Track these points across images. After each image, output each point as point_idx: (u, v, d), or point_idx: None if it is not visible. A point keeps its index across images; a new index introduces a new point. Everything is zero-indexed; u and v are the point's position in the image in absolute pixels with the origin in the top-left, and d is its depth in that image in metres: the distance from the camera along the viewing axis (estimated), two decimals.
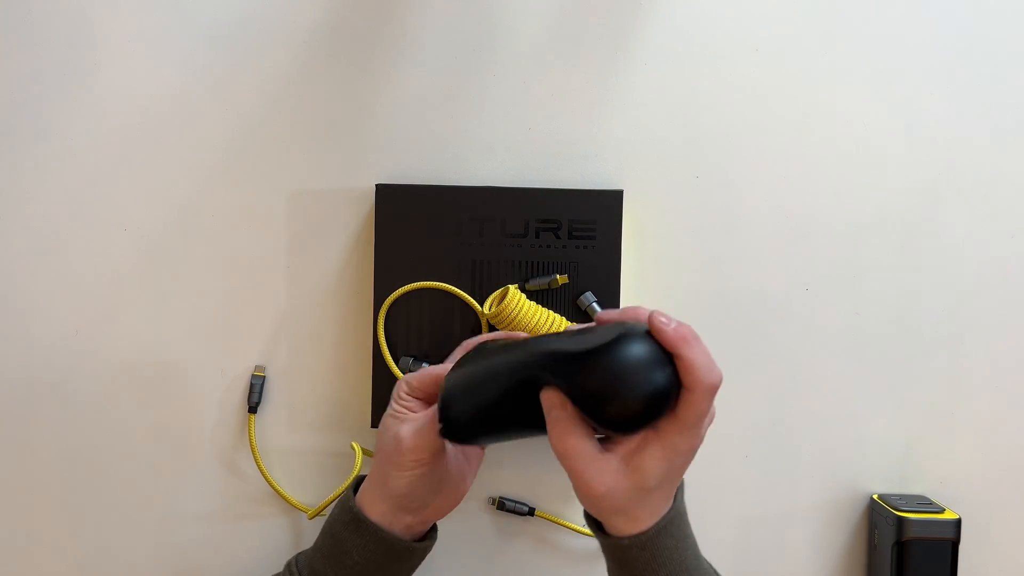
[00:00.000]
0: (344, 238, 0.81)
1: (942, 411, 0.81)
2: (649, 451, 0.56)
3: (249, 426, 0.80)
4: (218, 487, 0.82)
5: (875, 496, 0.80)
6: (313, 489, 0.82)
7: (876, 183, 0.81)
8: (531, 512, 0.81)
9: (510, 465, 0.81)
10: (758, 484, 0.81)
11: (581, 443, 0.56)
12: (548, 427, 0.56)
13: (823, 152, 0.81)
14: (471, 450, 0.72)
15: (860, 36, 0.80)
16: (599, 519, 0.61)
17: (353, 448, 0.77)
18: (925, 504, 0.78)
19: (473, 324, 0.79)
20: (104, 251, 0.81)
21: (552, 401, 0.56)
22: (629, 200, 0.79)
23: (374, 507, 0.67)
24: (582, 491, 0.57)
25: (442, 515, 0.70)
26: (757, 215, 0.81)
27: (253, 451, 0.80)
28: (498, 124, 0.81)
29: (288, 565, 0.70)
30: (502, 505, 0.81)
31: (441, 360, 0.79)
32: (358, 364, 0.81)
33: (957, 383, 0.81)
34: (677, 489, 0.62)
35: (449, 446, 0.68)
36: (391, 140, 0.81)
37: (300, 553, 0.71)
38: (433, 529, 0.72)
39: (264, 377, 0.81)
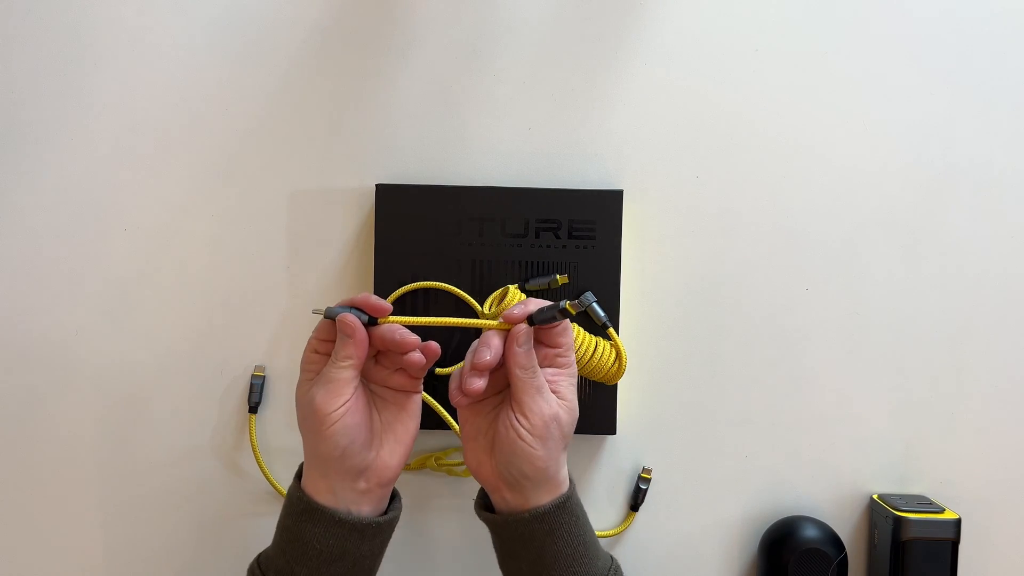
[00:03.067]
0: (344, 238, 0.81)
1: (942, 411, 0.81)
2: (563, 379, 0.66)
3: (249, 426, 0.80)
4: (219, 487, 0.82)
5: (875, 496, 0.80)
6: None
7: (876, 183, 0.81)
8: None
9: None
10: (758, 484, 0.81)
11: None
12: (523, 363, 0.64)
13: (823, 152, 0.81)
14: (394, 396, 0.68)
15: (860, 36, 0.80)
16: (523, 485, 0.64)
17: None
18: (925, 504, 0.78)
19: None
20: (104, 251, 0.81)
21: (525, 331, 0.65)
22: (629, 200, 0.79)
23: (319, 487, 0.65)
24: (538, 419, 0.64)
25: (394, 470, 0.67)
26: (757, 215, 0.81)
27: (254, 451, 0.80)
28: (498, 124, 0.81)
29: (250, 570, 0.68)
30: None
31: (442, 364, 0.79)
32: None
33: (957, 383, 0.81)
34: (570, 477, 0.68)
35: (361, 396, 0.66)
36: (391, 140, 0.81)
37: (260, 554, 0.69)
38: (396, 500, 0.70)
39: (264, 377, 0.81)
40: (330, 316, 0.65)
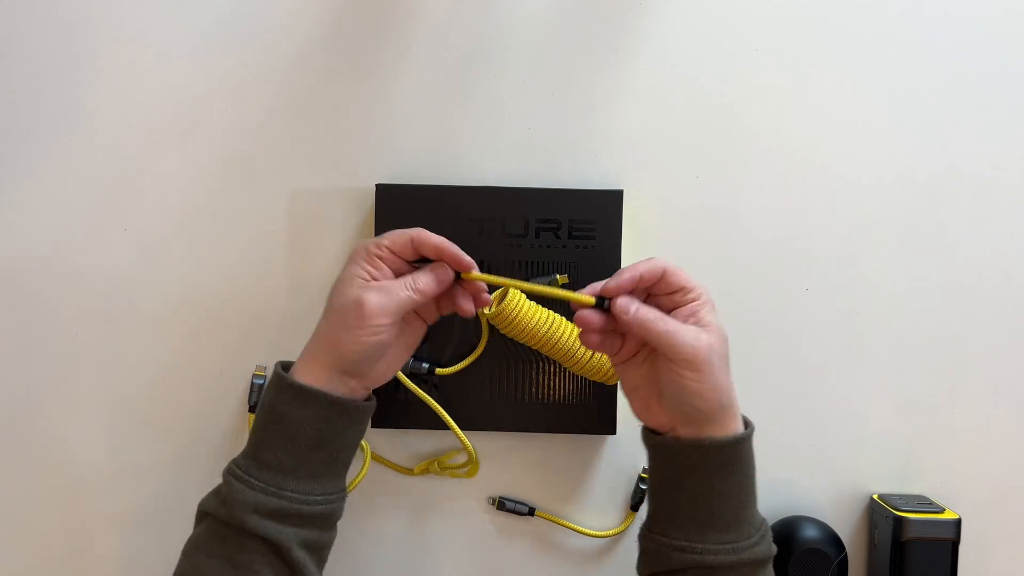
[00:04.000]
0: (344, 238, 0.81)
1: (942, 411, 0.81)
2: (700, 311, 0.65)
3: (249, 426, 0.80)
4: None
5: (875, 496, 0.80)
6: None
7: (876, 183, 0.81)
8: (531, 512, 0.81)
9: (510, 465, 0.81)
10: (758, 484, 0.81)
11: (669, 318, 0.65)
12: (641, 323, 0.63)
13: (823, 152, 0.81)
14: (413, 319, 0.69)
15: (860, 36, 0.80)
16: (701, 419, 0.64)
17: (362, 448, 0.77)
18: (925, 504, 0.78)
19: (473, 324, 0.79)
20: (104, 251, 0.81)
21: (628, 304, 0.64)
22: (629, 200, 0.79)
23: (315, 375, 0.66)
24: (693, 352, 0.62)
25: (381, 383, 0.69)
26: (757, 215, 0.81)
27: None
28: (498, 124, 0.81)
29: (225, 475, 0.67)
30: (502, 505, 0.81)
31: (442, 364, 0.79)
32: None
33: (957, 383, 0.81)
34: (744, 417, 0.68)
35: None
36: (391, 140, 0.81)
37: (232, 461, 0.67)
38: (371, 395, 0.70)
39: (264, 377, 0.81)
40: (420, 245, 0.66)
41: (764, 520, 0.67)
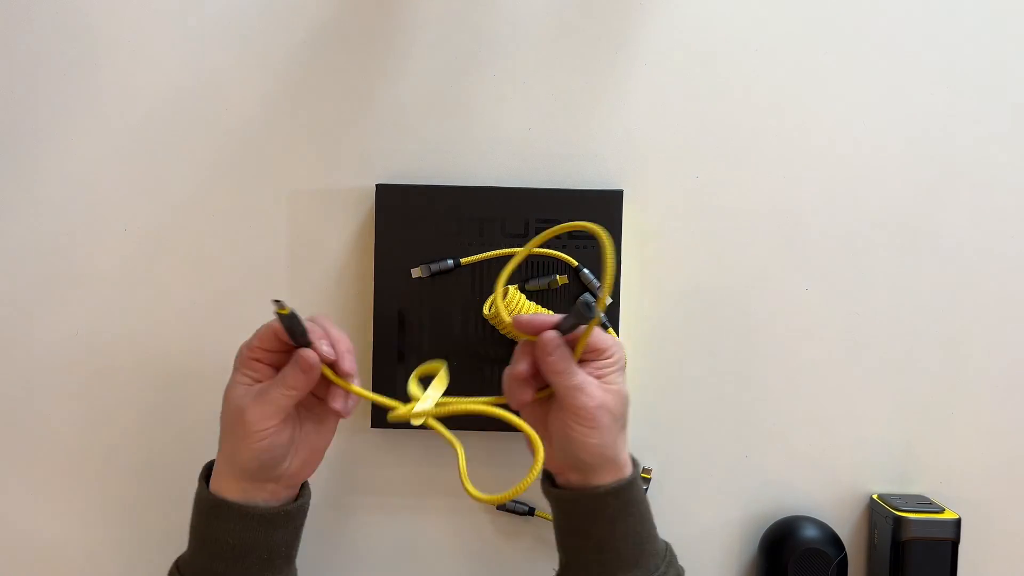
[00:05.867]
0: (344, 238, 0.81)
1: (942, 411, 0.81)
2: (608, 370, 0.67)
3: None
4: None
5: (875, 496, 0.80)
6: (314, 488, 0.82)
7: (876, 183, 0.81)
8: (531, 512, 0.81)
9: (510, 465, 0.81)
10: (758, 484, 0.81)
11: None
12: (554, 366, 0.65)
13: (823, 152, 0.81)
14: (315, 404, 0.68)
15: (860, 36, 0.80)
16: (585, 468, 0.66)
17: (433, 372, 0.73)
18: (925, 504, 0.78)
19: (473, 324, 0.78)
20: (104, 251, 0.81)
21: (552, 340, 0.66)
22: (629, 200, 0.79)
23: (230, 485, 0.66)
24: (585, 411, 0.64)
25: (304, 478, 0.69)
26: (757, 215, 0.81)
27: None
28: (498, 124, 0.81)
29: (170, 574, 0.68)
30: (502, 505, 0.81)
31: (443, 355, 0.79)
32: (358, 364, 0.81)
33: (957, 383, 0.81)
34: (632, 458, 0.70)
35: (291, 415, 0.66)
36: (391, 140, 0.81)
37: (179, 557, 0.69)
38: (304, 488, 0.70)
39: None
40: (291, 331, 0.64)
41: (667, 545, 0.70)
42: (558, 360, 0.65)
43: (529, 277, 0.78)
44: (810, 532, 0.78)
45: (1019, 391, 0.81)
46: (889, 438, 0.81)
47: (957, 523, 0.76)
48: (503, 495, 0.65)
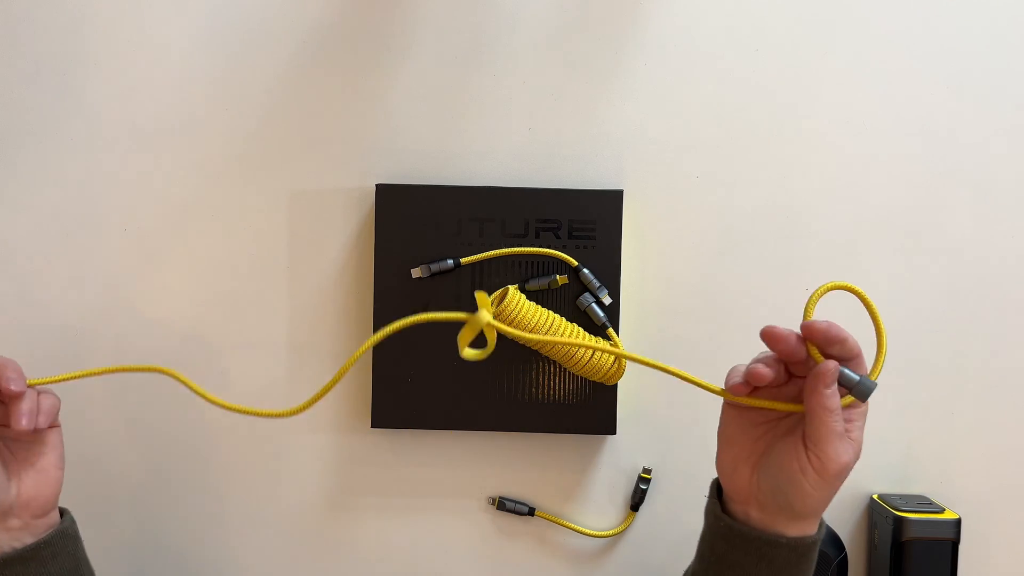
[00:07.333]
0: (344, 238, 0.81)
1: (942, 411, 0.81)
2: (856, 422, 0.61)
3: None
4: (221, 487, 0.82)
5: (875, 496, 0.80)
6: (314, 488, 0.82)
7: (876, 183, 0.81)
8: (531, 512, 0.81)
9: (510, 465, 0.81)
10: None
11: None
12: (827, 400, 0.59)
13: (823, 152, 0.81)
14: (44, 432, 0.65)
15: (860, 36, 0.80)
16: (780, 512, 0.61)
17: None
18: (925, 504, 0.78)
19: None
20: (104, 251, 0.81)
21: (835, 371, 0.60)
22: (629, 200, 0.79)
23: None
24: (834, 464, 0.58)
25: (46, 499, 0.65)
26: (757, 215, 0.81)
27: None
28: (498, 124, 0.81)
29: None
30: (502, 505, 0.81)
31: (442, 355, 0.79)
32: (358, 364, 0.81)
33: (957, 383, 0.81)
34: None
35: None
36: (391, 140, 0.81)
37: None
38: (65, 515, 0.67)
39: None
40: None
41: None
42: (832, 396, 0.59)
43: (529, 277, 0.78)
44: None
45: (1019, 391, 0.81)
46: (889, 438, 0.81)
47: (957, 523, 0.76)
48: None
